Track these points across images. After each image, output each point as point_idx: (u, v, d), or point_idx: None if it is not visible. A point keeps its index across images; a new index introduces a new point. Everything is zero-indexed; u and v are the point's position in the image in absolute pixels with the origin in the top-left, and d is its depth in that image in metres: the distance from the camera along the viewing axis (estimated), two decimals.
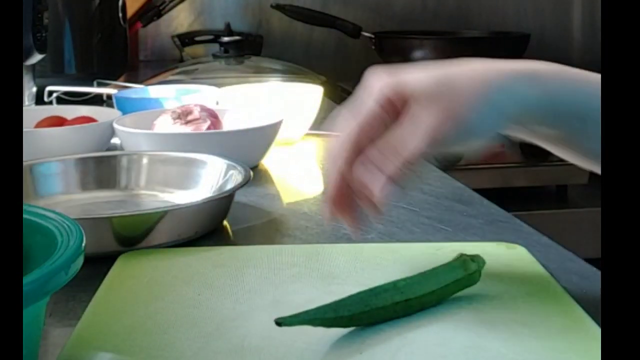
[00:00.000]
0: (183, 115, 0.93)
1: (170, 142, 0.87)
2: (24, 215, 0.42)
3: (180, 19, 2.18)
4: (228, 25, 1.84)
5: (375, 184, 0.49)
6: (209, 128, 0.92)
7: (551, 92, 0.51)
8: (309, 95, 1.12)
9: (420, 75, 0.50)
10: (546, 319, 0.48)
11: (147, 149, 0.85)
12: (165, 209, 0.65)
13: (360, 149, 0.50)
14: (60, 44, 1.47)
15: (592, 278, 0.57)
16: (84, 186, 0.79)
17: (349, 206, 0.53)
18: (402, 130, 0.49)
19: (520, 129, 0.53)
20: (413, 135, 0.49)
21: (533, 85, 0.50)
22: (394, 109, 0.51)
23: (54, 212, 0.43)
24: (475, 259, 0.52)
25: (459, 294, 0.51)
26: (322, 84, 1.43)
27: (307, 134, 1.13)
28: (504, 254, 0.60)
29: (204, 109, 0.94)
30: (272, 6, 1.97)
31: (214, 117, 0.94)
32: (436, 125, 0.48)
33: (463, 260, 0.51)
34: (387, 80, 0.51)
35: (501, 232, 0.68)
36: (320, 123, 1.19)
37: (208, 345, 0.45)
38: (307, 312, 0.46)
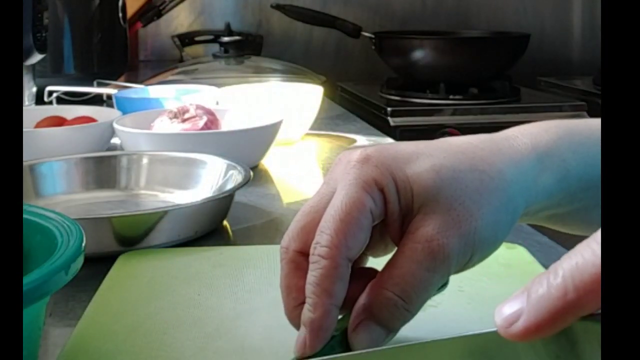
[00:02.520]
0: (179, 114, 0.93)
1: (170, 142, 0.87)
2: (24, 215, 0.42)
3: (180, 19, 2.18)
4: (228, 25, 1.84)
5: (354, 320, 0.39)
6: (205, 124, 0.92)
7: (567, 166, 0.44)
8: (309, 95, 1.12)
9: (416, 168, 0.40)
10: None
11: (147, 149, 0.85)
12: (165, 209, 0.65)
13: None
14: (60, 44, 1.47)
15: None
16: (84, 186, 0.79)
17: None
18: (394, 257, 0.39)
19: (523, 217, 0.45)
20: (406, 257, 0.38)
21: (549, 167, 0.43)
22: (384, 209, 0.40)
23: (54, 212, 0.43)
24: None
25: (459, 293, 0.51)
26: (322, 84, 1.43)
27: (307, 134, 1.13)
28: (503, 254, 0.60)
29: (199, 107, 0.95)
30: (272, 6, 1.97)
31: (210, 115, 0.94)
32: (438, 238, 0.38)
33: None
34: (374, 176, 0.40)
35: None
36: (320, 123, 1.19)
37: (208, 345, 0.45)
38: None
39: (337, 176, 0.41)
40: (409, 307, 0.38)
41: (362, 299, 0.39)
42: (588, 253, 0.28)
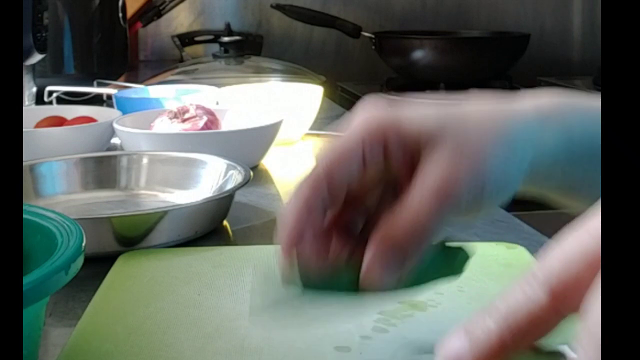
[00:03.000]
0: (179, 114, 0.93)
1: (170, 142, 0.87)
2: (24, 215, 0.42)
3: (180, 19, 2.18)
4: (228, 25, 1.84)
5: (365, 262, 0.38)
6: (205, 124, 0.92)
7: (570, 130, 0.44)
8: (309, 95, 1.12)
9: (422, 111, 0.41)
10: None
11: (147, 149, 0.85)
12: (165, 209, 0.65)
13: (324, 195, 0.39)
14: (60, 44, 1.47)
15: None
16: (84, 186, 0.79)
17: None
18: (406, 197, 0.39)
19: (531, 181, 0.44)
20: (415, 194, 0.38)
21: (552, 128, 0.43)
22: (385, 152, 0.40)
23: (54, 212, 0.43)
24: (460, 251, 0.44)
25: (459, 293, 0.51)
26: (322, 84, 1.43)
27: (307, 134, 1.13)
28: (504, 254, 0.60)
29: (199, 107, 0.95)
30: (272, 6, 1.97)
31: (210, 115, 0.94)
32: (446, 176, 0.38)
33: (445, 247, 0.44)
34: (377, 114, 0.41)
35: (501, 232, 0.68)
36: (320, 123, 1.19)
37: (208, 345, 0.45)
38: None
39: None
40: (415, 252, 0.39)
41: (370, 248, 0.39)
42: (520, 295, 0.28)
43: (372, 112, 0.41)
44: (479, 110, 0.42)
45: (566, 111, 0.45)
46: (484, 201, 0.40)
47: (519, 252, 0.60)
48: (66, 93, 1.31)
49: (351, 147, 0.40)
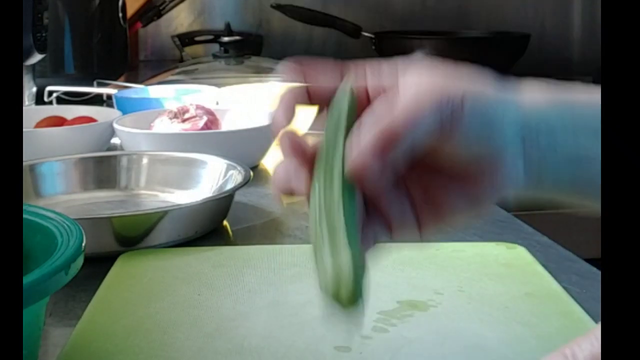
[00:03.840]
0: (179, 114, 0.93)
1: (170, 142, 0.87)
2: (24, 215, 0.42)
3: (180, 19, 2.18)
4: (228, 25, 1.84)
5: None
6: (205, 124, 0.92)
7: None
8: None
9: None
10: (546, 319, 0.48)
11: (147, 149, 0.85)
12: (165, 209, 0.65)
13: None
14: (60, 44, 1.47)
15: (592, 278, 0.57)
16: (84, 186, 0.79)
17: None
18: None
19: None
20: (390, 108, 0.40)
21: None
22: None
23: (54, 212, 0.43)
24: None
25: (459, 293, 0.51)
26: None
27: (307, 134, 1.13)
28: (504, 254, 0.60)
29: (199, 107, 0.95)
30: (272, 6, 1.97)
31: (210, 115, 0.94)
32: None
33: None
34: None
35: (501, 232, 0.68)
36: (320, 123, 1.19)
37: (208, 345, 0.45)
38: None
39: None
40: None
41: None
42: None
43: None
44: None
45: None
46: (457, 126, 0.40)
47: (519, 252, 0.60)
48: (66, 93, 1.31)
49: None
